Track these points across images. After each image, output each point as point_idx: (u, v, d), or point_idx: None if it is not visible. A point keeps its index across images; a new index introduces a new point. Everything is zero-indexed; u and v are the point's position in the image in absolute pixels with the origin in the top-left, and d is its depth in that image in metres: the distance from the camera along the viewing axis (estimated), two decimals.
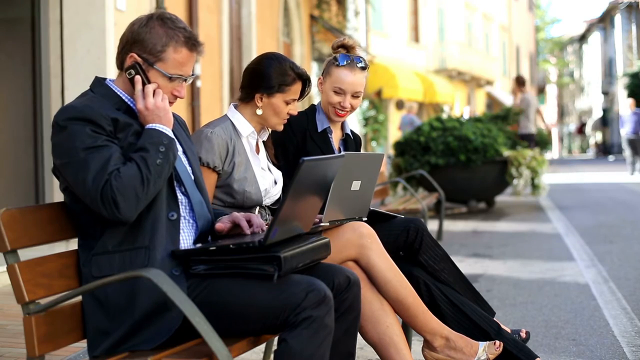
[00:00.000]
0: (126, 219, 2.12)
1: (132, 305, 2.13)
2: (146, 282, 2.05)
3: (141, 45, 2.25)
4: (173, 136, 2.26)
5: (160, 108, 2.24)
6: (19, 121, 6.67)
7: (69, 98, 6.27)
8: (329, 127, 3.26)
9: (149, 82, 2.26)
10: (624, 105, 19.89)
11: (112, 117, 2.18)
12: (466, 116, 15.49)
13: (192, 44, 2.28)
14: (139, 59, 2.25)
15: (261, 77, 2.85)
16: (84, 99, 2.24)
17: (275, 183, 2.93)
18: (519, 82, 12.80)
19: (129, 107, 2.28)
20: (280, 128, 2.91)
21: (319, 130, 3.23)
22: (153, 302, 2.12)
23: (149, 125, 2.23)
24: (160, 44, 2.24)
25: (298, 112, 3.15)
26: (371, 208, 3.01)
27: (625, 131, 18.31)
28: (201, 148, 2.72)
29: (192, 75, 2.34)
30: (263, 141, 2.99)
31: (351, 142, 3.37)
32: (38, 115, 6.49)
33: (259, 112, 2.87)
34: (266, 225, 2.42)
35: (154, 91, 2.25)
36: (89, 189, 2.10)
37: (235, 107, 2.92)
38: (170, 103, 2.32)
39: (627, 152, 18.86)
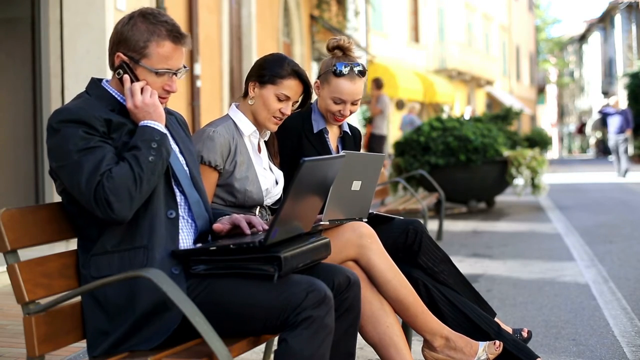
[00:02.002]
0: (121, 219, 2.12)
1: (131, 305, 2.13)
2: (145, 282, 2.05)
3: (125, 43, 2.25)
4: (166, 131, 2.26)
5: (149, 104, 2.23)
6: (19, 121, 6.68)
7: (69, 98, 6.25)
8: (325, 127, 3.24)
9: (138, 80, 2.26)
10: (610, 103, 19.23)
11: (105, 118, 2.18)
12: (467, 116, 15.49)
13: (175, 36, 2.26)
14: (125, 58, 2.25)
15: (258, 66, 2.86)
16: (78, 101, 2.25)
17: (277, 183, 2.93)
18: (378, 84, 12.76)
19: (124, 106, 2.28)
20: (272, 126, 2.86)
21: (315, 131, 3.21)
22: (152, 302, 2.11)
23: (141, 123, 2.23)
24: (142, 40, 2.24)
25: (293, 113, 3.11)
26: (370, 211, 3.00)
27: (612, 130, 17.66)
28: (203, 147, 2.72)
29: (184, 68, 2.33)
30: (265, 141, 2.98)
31: (349, 138, 3.34)
32: (38, 115, 6.50)
33: (251, 102, 2.85)
34: (266, 224, 2.42)
35: (142, 88, 2.25)
36: (83, 191, 2.10)
37: (237, 106, 2.92)
38: (164, 98, 2.31)
39: (613, 153, 18.14)
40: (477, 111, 27.41)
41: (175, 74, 2.29)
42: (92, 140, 2.13)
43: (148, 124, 2.22)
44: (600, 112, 19.19)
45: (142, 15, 2.27)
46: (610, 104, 18.42)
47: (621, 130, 17.57)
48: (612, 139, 17.80)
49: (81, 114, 2.15)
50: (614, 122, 17.70)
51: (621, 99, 27.32)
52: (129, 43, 2.24)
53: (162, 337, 2.12)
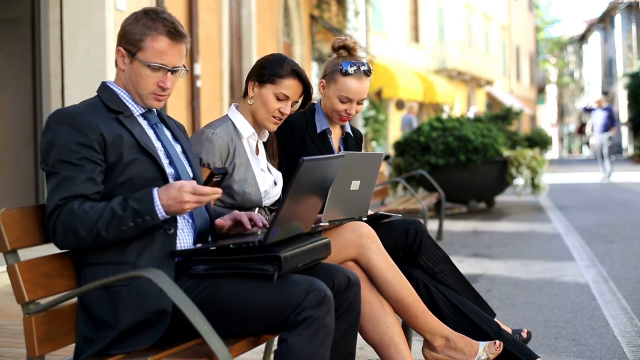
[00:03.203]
0: (59, 248, 2.15)
1: (115, 322, 2.12)
2: (128, 299, 2.09)
3: (125, 37, 2.29)
4: (161, 219, 2.12)
5: (180, 200, 2.07)
6: (19, 121, 6.68)
7: (69, 98, 6.28)
8: (329, 127, 3.25)
9: None
10: (592, 101, 18.53)
11: (101, 132, 2.17)
12: (472, 115, 15.44)
13: (171, 32, 2.27)
14: (124, 52, 2.28)
15: (258, 66, 2.86)
16: (83, 104, 2.26)
17: (275, 184, 2.93)
18: None
19: (131, 111, 2.29)
20: (271, 126, 2.86)
21: (318, 131, 3.22)
22: (135, 320, 2.11)
23: (156, 196, 2.10)
24: (139, 33, 2.26)
25: (297, 113, 3.13)
26: (370, 212, 3.00)
27: (597, 129, 16.81)
28: (202, 149, 2.72)
29: (184, 69, 2.33)
30: (264, 143, 2.98)
31: (351, 140, 3.36)
32: (38, 115, 6.50)
33: (250, 102, 2.85)
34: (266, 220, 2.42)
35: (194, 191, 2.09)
36: (47, 201, 2.13)
37: (237, 107, 2.92)
38: (161, 96, 2.31)
39: (599, 153, 17.11)
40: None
41: (170, 71, 2.29)
42: (77, 154, 2.13)
43: (159, 205, 2.10)
44: (584, 109, 18.48)
45: (145, 12, 2.31)
46: (595, 102, 17.67)
47: (605, 129, 16.86)
48: (597, 138, 17.10)
49: (78, 119, 2.15)
50: (598, 121, 16.98)
51: (621, 99, 27.17)
52: (128, 37, 2.28)
53: (139, 347, 2.12)
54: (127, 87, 2.31)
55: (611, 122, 16.92)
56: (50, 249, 2.21)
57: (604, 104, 17.28)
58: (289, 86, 2.81)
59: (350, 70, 3.12)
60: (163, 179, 2.24)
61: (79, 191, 2.12)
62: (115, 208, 2.10)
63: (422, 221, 3.36)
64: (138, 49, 2.26)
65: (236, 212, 2.42)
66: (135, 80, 2.28)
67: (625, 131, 37.30)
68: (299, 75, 2.82)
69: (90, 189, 2.14)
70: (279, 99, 2.81)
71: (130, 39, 2.27)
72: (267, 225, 2.37)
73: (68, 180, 2.12)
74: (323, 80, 3.21)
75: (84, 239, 2.10)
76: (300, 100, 2.91)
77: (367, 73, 3.16)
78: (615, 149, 39.82)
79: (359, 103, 3.18)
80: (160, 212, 2.11)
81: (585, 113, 18.48)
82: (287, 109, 2.83)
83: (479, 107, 31.07)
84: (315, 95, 3.07)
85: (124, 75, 2.31)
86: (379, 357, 2.76)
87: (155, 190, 2.12)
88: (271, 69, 2.80)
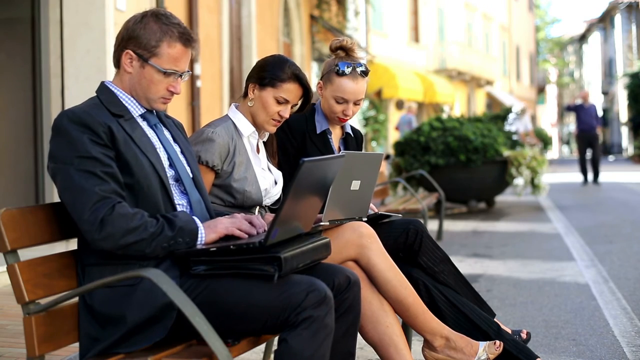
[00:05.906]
0: (96, 240, 2.10)
1: (122, 317, 2.12)
2: (135, 296, 2.09)
3: (136, 41, 2.26)
4: (200, 245, 2.23)
5: (220, 231, 2.24)
6: (19, 121, 6.68)
7: (69, 98, 6.27)
8: (328, 128, 3.25)
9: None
10: (577, 97, 17.14)
11: (109, 125, 2.18)
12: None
13: (186, 39, 2.28)
14: (134, 55, 2.26)
15: (258, 68, 2.85)
16: (85, 104, 2.25)
17: (276, 183, 2.93)
18: None
19: (129, 111, 2.28)
20: (271, 128, 2.87)
21: (318, 131, 3.22)
22: (143, 315, 2.10)
23: (198, 222, 2.21)
24: (154, 39, 2.25)
25: (297, 114, 3.13)
26: (370, 212, 3.00)
27: (581, 127, 15.48)
28: (202, 147, 2.72)
29: (188, 72, 2.34)
30: (264, 142, 2.98)
31: (351, 140, 3.36)
32: (38, 115, 6.49)
33: (250, 103, 2.85)
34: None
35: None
36: (76, 198, 2.10)
37: (237, 107, 2.92)
38: (167, 99, 2.32)
39: (580, 153, 15.75)
40: (478, 111, 27.37)
41: (180, 75, 2.30)
42: (94, 150, 2.13)
43: (201, 230, 2.20)
44: (568, 108, 16.99)
45: (155, 15, 2.29)
46: (581, 98, 16.38)
47: (591, 127, 15.51)
48: (582, 137, 15.64)
49: (87, 118, 2.15)
50: (583, 119, 15.52)
51: (621, 99, 27.05)
52: (140, 41, 2.26)
53: (147, 344, 2.12)
54: (131, 89, 2.31)
55: (596, 120, 15.69)
56: (50, 249, 2.21)
57: (590, 101, 16.09)
58: (289, 90, 2.80)
59: (346, 70, 3.12)
60: (164, 181, 2.24)
61: (113, 187, 2.12)
62: (164, 228, 2.14)
63: (422, 221, 3.36)
64: (152, 55, 2.25)
65: (236, 215, 2.38)
66: (145, 84, 2.28)
67: (625, 131, 37.29)
68: (300, 79, 2.82)
69: (118, 185, 2.14)
70: (279, 102, 2.81)
71: (143, 44, 2.25)
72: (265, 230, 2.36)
73: (95, 175, 2.11)
74: (320, 82, 3.21)
75: (129, 238, 2.10)
76: (299, 103, 2.91)
77: (364, 74, 3.15)
78: (616, 149, 39.84)
79: (356, 104, 3.17)
80: (202, 237, 2.20)
81: (571, 112, 17.36)
82: (286, 112, 2.84)
83: (478, 107, 31.07)
84: (316, 95, 3.08)
85: (130, 78, 2.30)
86: (379, 357, 2.76)
87: (199, 222, 2.21)
88: (272, 72, 2.80)
